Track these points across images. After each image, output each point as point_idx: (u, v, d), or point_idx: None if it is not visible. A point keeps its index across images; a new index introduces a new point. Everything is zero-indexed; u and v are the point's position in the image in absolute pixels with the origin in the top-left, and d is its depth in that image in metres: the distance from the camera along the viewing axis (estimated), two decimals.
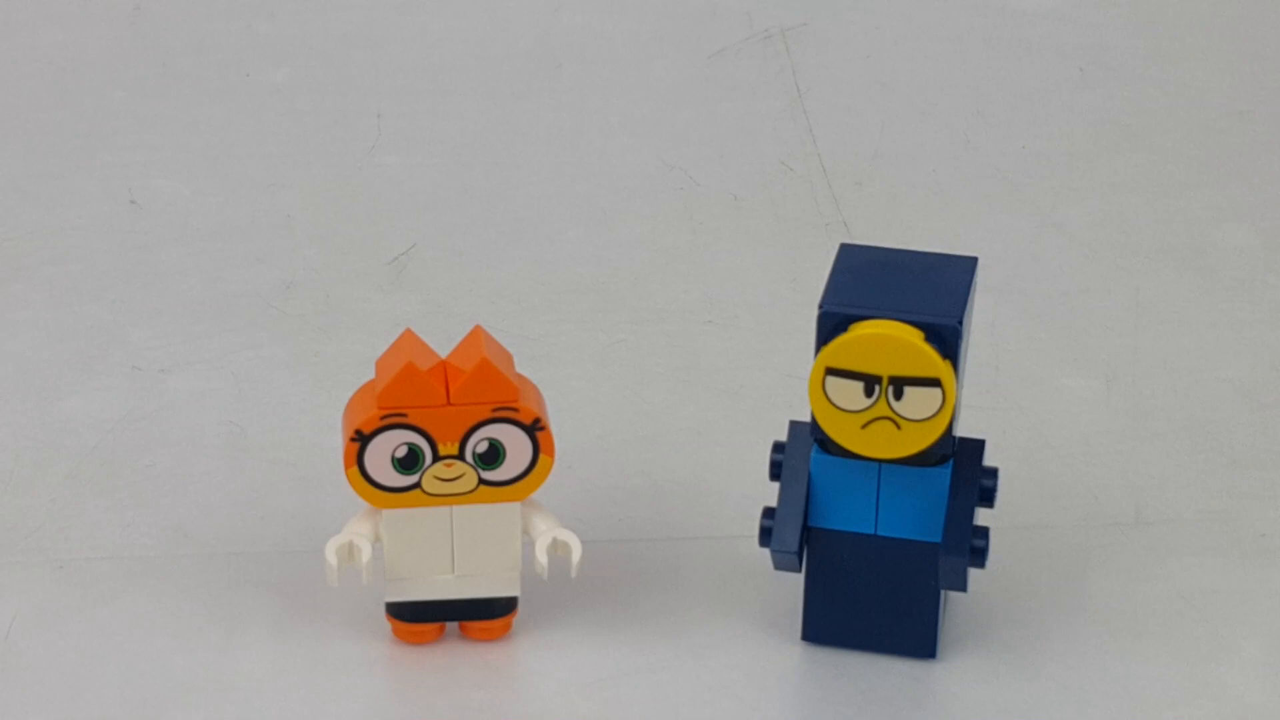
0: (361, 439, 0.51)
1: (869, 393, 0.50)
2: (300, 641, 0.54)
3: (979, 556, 0.51)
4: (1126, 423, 0.63)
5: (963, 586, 0.52)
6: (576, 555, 0.53)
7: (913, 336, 0.49)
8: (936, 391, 0.49)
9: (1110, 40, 0.82)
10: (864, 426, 0.50)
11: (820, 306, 0.50)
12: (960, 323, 0.49)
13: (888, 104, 0.78)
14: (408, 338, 0.52)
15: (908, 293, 0.50)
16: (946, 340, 0.49)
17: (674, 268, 0.70)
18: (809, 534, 0.53)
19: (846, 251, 0.52)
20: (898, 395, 0.50)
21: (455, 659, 0.54)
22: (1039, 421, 0.63)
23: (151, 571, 0.57)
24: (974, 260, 0.51)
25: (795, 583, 0.56)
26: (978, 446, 0.52)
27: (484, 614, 0.54)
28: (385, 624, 0.54)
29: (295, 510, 0.59)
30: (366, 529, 0.53)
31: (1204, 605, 0.56)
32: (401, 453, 0.51)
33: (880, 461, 0.51)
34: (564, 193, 0.73)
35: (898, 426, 0.50)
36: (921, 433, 0.50)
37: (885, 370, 0.50)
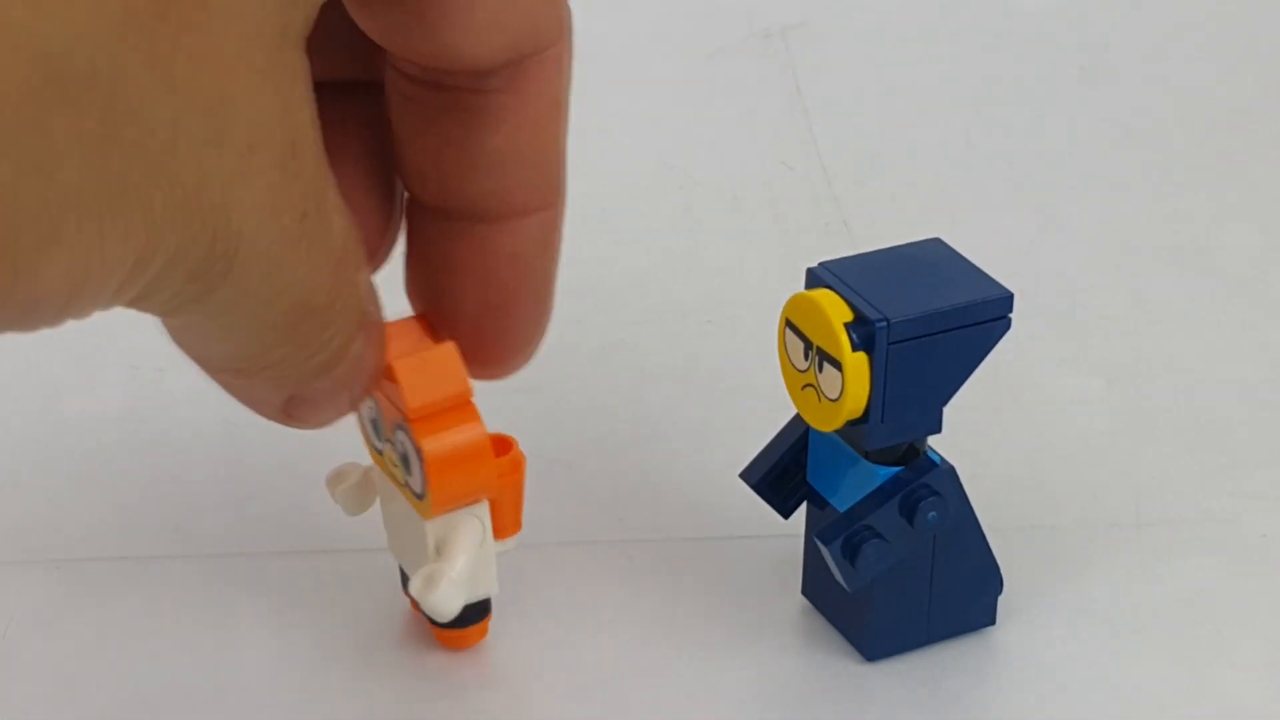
0: None
1: (806, 356, 0.51)
2: (297, 642, 0.54)
3: (849, 551, 0.51)
4: (1127, 423, 0.63)
5: (843, 582, 0.52)
6: (430, 597, 0.50)
7: (836, 315, 0.50)
8: (839, 376, 0.50)
9: (1110, 39, 0.82)
10: (802, 389, 0.51)
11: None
12: (890, 324, 0.49)
13: (888, 103, 0.78)
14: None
15: (893, 284, 0.51)
16: (868, 334, 0.49)
17: (674, 267, 0.70)
18: (806, 489, 0.54)
19: (929, 245, 0.53)
20: (820, 367, 0.50)
21: (452, 660, 0.54)
22: (1039, 421, 0.62)
23: (149, 572, 0.56)
24: (1009, 298, 0.51)
25: (794, 584, 0.56)
26: (929, 467, 0.52)
27: (455, 621, 0.52)
28: (383, 625, 0.54)
29: (294, 510, 0.59)
30: (365, 470, 0.53)
31: (1204, 606, 0.56)
32: (372, 415, 0.51)
33: (850, 446, 0.52)
34: None
35: (819, 399, 0.51)
36: (832, 412, 0.50)
37: (814, 338, 0.50)
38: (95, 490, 0.59)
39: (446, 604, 0.50)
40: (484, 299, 0.47)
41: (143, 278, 0.38)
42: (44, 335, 0.65)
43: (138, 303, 0.40)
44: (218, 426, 0.62)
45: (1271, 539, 0.58)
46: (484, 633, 0.54)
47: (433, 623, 0.53)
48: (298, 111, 0.40)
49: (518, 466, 0.52)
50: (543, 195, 0.46)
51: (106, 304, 0.39)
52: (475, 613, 0.53)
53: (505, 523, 0.51)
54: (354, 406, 0.47)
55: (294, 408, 0.45)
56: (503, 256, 0.47)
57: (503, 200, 0.46)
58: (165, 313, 0.41)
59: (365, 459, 0.53)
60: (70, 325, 0.66)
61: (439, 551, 0.51)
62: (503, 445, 0.51)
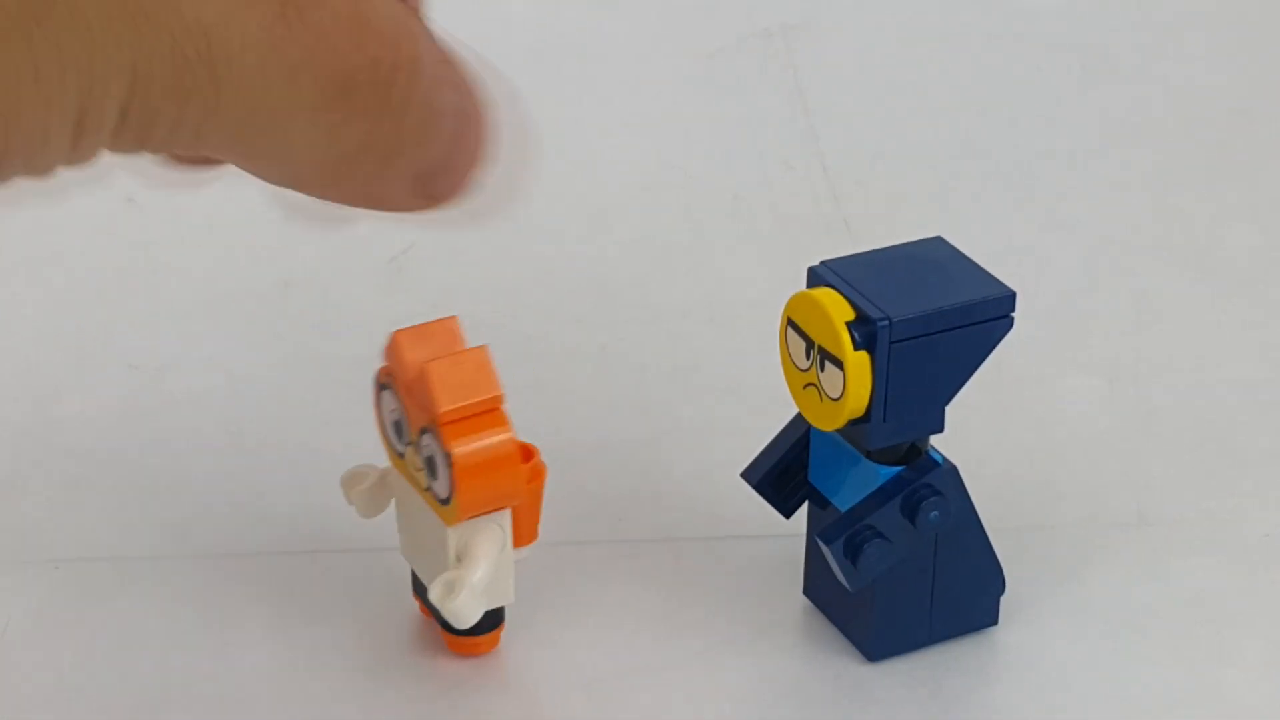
0: (377, 387, 0.51)
1: (808, 355, 0.51)
2: (297, 643, 0.54)
3: (851, 551, 0.51)
4: (1129, 422, 0.63)
5: (845, 582, 0.52)
6: (451, 604, 0.50)
7: (838, 314, 0.50)
8: (841, 375, 0.50)
9: (1110, 39, 0.82)
10: (804, 388, 0.51)
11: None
12: (892, 323, 0.49)
13: (888, 103, 0.78)
14: (453, 324, 0.51)
15: (895, 283, 0.51)
16: (870, 333, 0.49)
17: (674, 267, 0.69)
18: (807, 489, 0.54)
19: (931, 244, 0.53)
20: (821, 366, 0.50)
21: (453, 661, 0.54)
22: (1041, 421, 0.62)
23: (148, 572, 0.56)
24: (1011, 297, 0.51)
25: (796, 584, 0.56)
26: (931, 466, 0.52)
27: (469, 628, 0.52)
28: (383, 626, 0.54)
29: (293, 510, 0.58)
30: (382, 471, 0.53)
31: (1206, 606, 0.56)
32: (395, 417, 0.51)
33: (851, 446, 0.52)
34: (564, 192, 0.73)
35: (820, 398, 0.51)
36: (834, 411, 0.50)
37: (816, 337, 0.50)
38: (95, 490, 0.59)
39: (467, 611, 0.50)
40: None
41: (108, 108, 0.36)
42: (44, 335, 0.65)
43: (143, 143, 0.37)
44: (218, 426, 0.62)
45: (1273, 539, 0.58)
46: (495, 642, 0.53)
47: (444, 628, 0.53)
48: None
49: (538, 475, 0.51)
50: None
51: (75, 146, 0.36)
52: (489, 621, 0.53)
53: (522, 532, 0.51)
54: (481, 158, 0.43)
55: (427, 185, 0.43)
56: None
57: None
58: (191, 144, 0.38)
59: (369, 461, 0.53)
60: (70, 325, 0.66)
61: (459, 558, 0.50)
62: (525, 453, 0.51)
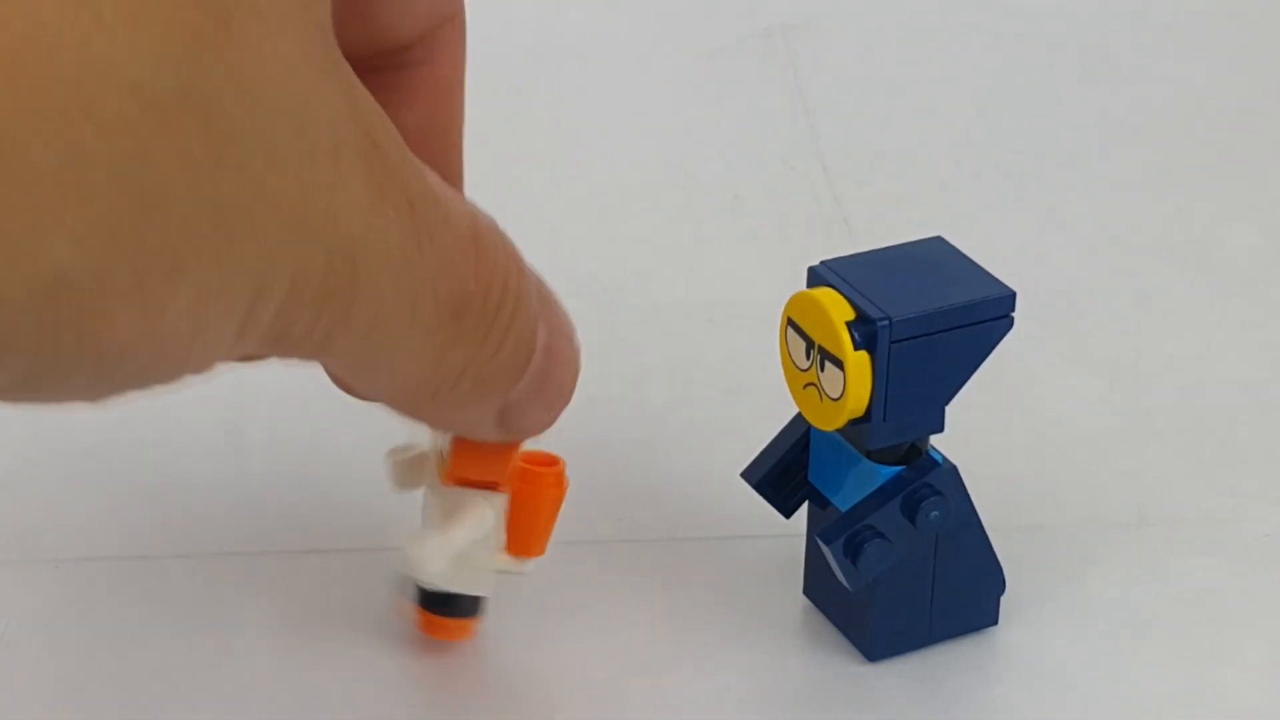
0: None
1: (808, 355, 0.51)
2: (298, 643, 0.54)
3: (851, 551, 0.51)
4: (1129, 422, 0.63)
5: (845, 581, 0.52)
6: (414, 549, 0.50)
7: (838, 314, 0.50)
8: (841, 375, 0.50)
9: (1110, 39, 0.82)
10: (804, 388, 0.51)
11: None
12: (893, 322, 0.49)
13: (889, 101, 0.78)
14: None
15: (895, 283, 0.51)
16: (870, 332, 0.49)
17: (674, 266, 0.69)
18: (807, 489, 0.54)
19: (931, 243, 0.52)
20: (821, 366, 0.50)
21: (454, 661, 0.54)
22: (1041, 421, 0.62)
23: (149, 572, 0.56)
24: (1011, 297, 0.51)
25: (796, 584, 0.56)
26: (931, 466, 0.52)
27: (441, 605, 0.52)
28: (382, 626, 0.54)
29: (294, 510, 0.58)
30: (424, 450, 0.53)
31: (1207, 606, 0.56)
32: None
33: (852, 445, 0.52)
34: (564, 192, 0.73)
35: (820, 398, 0.51)
36: (834, 411, 0.50)
37: (816, 337, 0.50)
38: (95, 490, 0.59)
39: (429, 562, 0.50)
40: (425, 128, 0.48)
41: (266, 311, 0.37)
42: None
43: (277, 346, 0.39)
44: (218, 426, 0.62)
45: (1273, 539, 0.58)
46: (468, 632, 0.53)
47: (421, 607, 0.53)
48: (361, 103, 0.39)
49: (559, 482, 0.51)
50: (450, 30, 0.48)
51: (232, 348, 0.38)
52: (466, 605, 0.52)
53: (531, 541, 0.51)
54: (565, 399, 0.46)
55: (507, 418, 0.45)
56: (428, 91, 0.48)
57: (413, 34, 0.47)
58: (315, 350, 0.40)
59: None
60: None
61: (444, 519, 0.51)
62: (548, 459, 0.51)
